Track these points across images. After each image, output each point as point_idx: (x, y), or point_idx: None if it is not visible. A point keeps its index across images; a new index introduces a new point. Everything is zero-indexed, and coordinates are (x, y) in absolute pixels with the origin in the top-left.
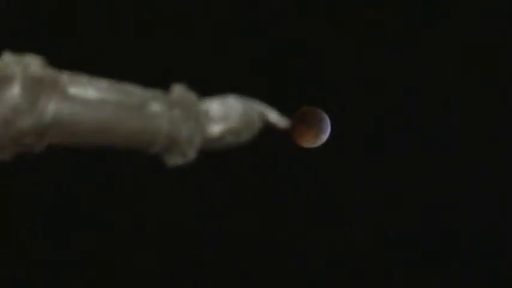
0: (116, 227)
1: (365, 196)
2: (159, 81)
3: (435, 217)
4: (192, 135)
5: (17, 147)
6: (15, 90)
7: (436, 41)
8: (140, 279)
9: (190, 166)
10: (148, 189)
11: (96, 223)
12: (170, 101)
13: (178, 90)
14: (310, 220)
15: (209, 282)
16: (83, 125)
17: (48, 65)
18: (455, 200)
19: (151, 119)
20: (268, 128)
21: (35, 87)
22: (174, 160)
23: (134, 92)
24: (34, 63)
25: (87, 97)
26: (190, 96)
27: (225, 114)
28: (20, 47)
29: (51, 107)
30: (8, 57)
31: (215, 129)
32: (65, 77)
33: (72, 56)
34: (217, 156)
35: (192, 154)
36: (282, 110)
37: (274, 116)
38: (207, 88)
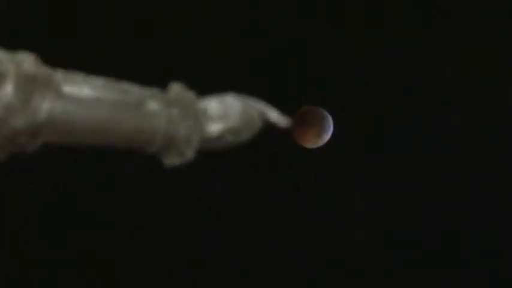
0: (114, 227)
1: (365, 196)
2: (159, 81)
3: (435, 217)
4: (190, 134)
5: (11, 147)
6: (8, 89)
7: (436, 41)
8: (139, 279)
9: (190, 165)
10: (147, 189)
11: (94, 223)
12: (168, 100)
13: (176, 88)
14: (310, 220)
15: (208, 282)
16: (77, 124)
17: (44, 63)
18: (455, 200)
19: (148, 118)
20: (268, 127)
21: (28, 85)
22: (172, 160)
23: (131, 91)
24: (27, 61)
25: (82, 95)
26: (188, 94)
27: (224, 113)
28: (20, 47)
29: (45, 106)
30: (1, 55)
31: (214, 128)
32: (59, 74)
33: (72, 56)
34: (216, 156)
35: (190, 154)
36: (282, 110)
37: (274, 115)
38: (207, 88)
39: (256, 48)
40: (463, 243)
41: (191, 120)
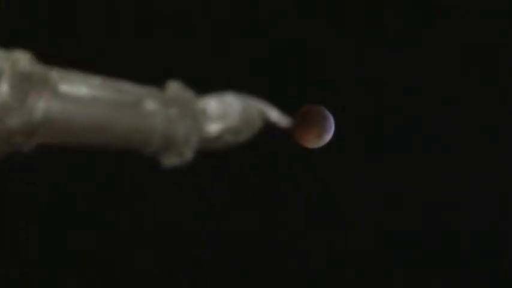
0: (114, 227)
1: (365, 196)
2: (159, 81)
3: (435, 217)
4: (189, 134)
5: (6, 146)
6: (3, 87)
7: (436, 41)
8: (139, 279)
9: (190, 165)
10: (147, 189)
11: (94, 223)
12: (166, 99)
13: (174, 87)
14: (310, 220)
15: (208, 282)
16: (74, 124)
17: (44, 63)
18: (455, 200)
19: (145, 117)
20: (268, 127)
21: (24, 83)
22: (171, 160)
23: (128, 90)
24: (23, 59)
25: (79, 94)
26: (187, 93)
27: (223, 112)
28: (20, 47)
29: (41, 105)
30: None
31: (213, 128)
32: (55, 73)
33: (72, 56)
34: (216, 156)
35: (189, 154)
36: (282, 110)
37: (275, 115)
38: (207, 88)
39: (256, 48)
40: (463, 243)
41: (190, 119)
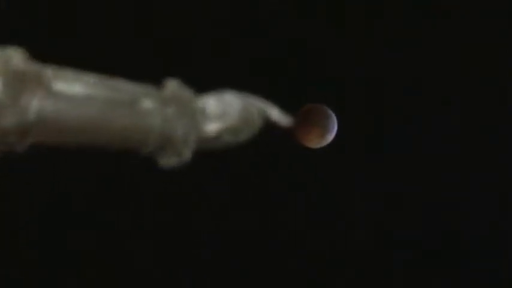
0: (114, 227)
1: (365, 196)
2: (159, 81)
3: (435, 217)
4: (188, 133)
5: (0, 146)
6: None
7: (436, 41)
8: (139, 279)
9: (189, 164)
10: (147, 189)
11: (94, 223)
12: (163, 98)
13: (172, 86)
14: (310, 220)
15: (208, 282)
16: (68, 123)
17: (43, 63)
18: (455, 200)
19: (142, 116)
20: (269, 126)
21: (17, 82)
22: (169, 160)
23: (124, 88)
24: (16, 57)
25: (73, 93)
26: (185, 92)
27: (222, 111)
28: (20, 47)
29: (34, 104)
30: None
31: (212, 127)
32: (49, 71)
33: (72, 56)
34: (216, 156)
35: (187, 154)
36: (282, 110)
37: (275, 114)
38: (206, 88)
39: (256, 48)
40: (463, 243)
41: (188, 118)
